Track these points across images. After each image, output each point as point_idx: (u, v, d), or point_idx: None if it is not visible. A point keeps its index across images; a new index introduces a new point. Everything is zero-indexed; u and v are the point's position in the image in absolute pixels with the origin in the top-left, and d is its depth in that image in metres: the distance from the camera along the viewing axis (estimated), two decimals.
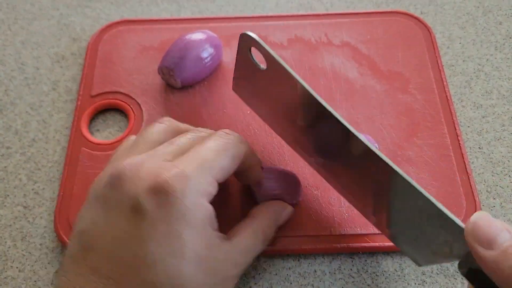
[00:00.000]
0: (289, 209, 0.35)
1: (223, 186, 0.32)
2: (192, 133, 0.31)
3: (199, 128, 0.32)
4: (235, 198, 0.37)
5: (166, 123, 0.32)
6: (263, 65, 0.32)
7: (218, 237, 0.28)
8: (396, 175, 0.27)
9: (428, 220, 0.27)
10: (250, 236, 0.31)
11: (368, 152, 0.28)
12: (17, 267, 0.36)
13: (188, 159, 0.28)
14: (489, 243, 0.22)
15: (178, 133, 0.31)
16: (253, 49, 0.32)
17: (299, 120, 0.33)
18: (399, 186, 0.28)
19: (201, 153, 0.28)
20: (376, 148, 0.29)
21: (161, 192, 0.26)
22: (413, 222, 0.29)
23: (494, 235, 0.22)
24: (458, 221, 0.25)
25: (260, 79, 0.33)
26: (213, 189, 0.28)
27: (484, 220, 0.23)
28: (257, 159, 0.33)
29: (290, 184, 0.36)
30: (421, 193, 0.26)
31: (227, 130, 0.31)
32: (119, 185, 0.27)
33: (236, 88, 0.38)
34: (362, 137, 0.28)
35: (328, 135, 0.31)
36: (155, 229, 0.26)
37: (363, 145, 0.28)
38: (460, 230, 0.24)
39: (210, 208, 0.28)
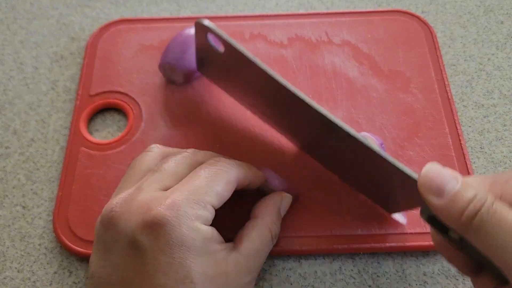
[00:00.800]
0: (287, 197, 0.35)
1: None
2: (175, 157, 0.31)
3: (187, 150, 0.32)
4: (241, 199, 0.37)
5: (154, 150, 0.32)
6: (221, 49, 0.34)
7: (225, 249, 0.28)
8: (351, 138, 0.30)
9: (388, 177, 0.30)
10: (257, 238, 0.30)
11: (323, 119, 0.30)
12: (15, 268, 0.36)
13: (180, 188, 0.28)
14: (439, 192, 0.24)
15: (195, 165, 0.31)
16: (209, 35, 0.34)
17: (263, 98, 0.34)
18: (354, 147, 0.30)
19: (192, 182, 0.29)
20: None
21: (155, 224, 0.26)
22: (379, 182, 0.32)
23: (443, 184, 0.24)
24: (412, 173, 0.27)
25: (221, 61, 0.35)
26: (209, 214, 0.28)
27: (433, 171, 0.24)
28: (254, 175, 0.33)
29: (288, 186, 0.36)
30: (375, 153, 0.29)
31: (216, 158, 0.31)
32: (112, 225, 0.27)
33: (201, 69, 0.39)
34: (317, 105, 0.30)
35: (292, 109, 0.32)
36: (158, 261, 0.26)
37: (318, 113, 0.30)
38: (414, 182, 0.26)
39: (208, 229, 0.28)
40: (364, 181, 0.35)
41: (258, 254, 0.30)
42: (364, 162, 0.31)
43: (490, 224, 0.22)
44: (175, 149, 0.33)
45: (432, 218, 0.26)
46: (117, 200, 0.28)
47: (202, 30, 0.34)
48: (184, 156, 0.31)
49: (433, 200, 0.24)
